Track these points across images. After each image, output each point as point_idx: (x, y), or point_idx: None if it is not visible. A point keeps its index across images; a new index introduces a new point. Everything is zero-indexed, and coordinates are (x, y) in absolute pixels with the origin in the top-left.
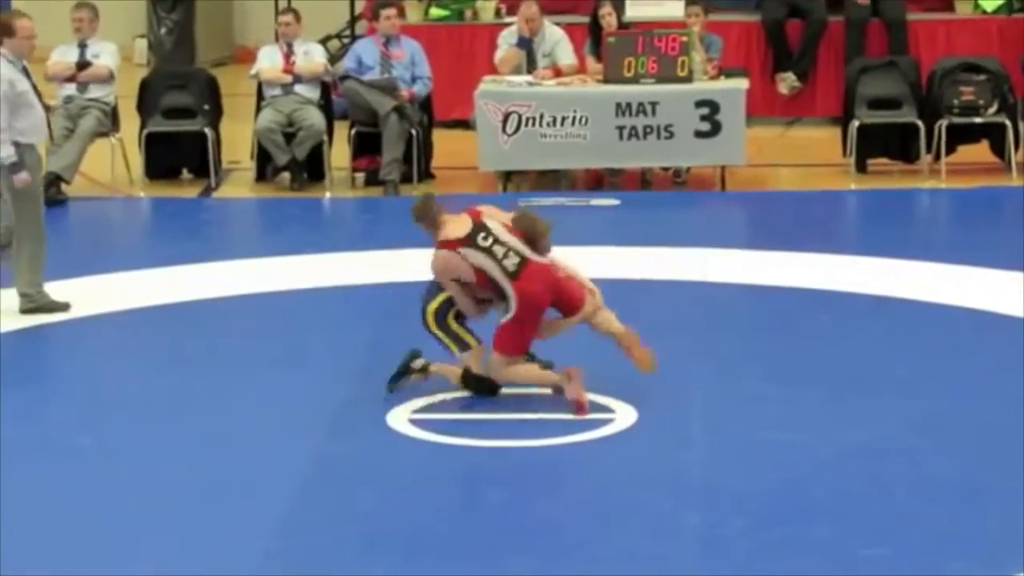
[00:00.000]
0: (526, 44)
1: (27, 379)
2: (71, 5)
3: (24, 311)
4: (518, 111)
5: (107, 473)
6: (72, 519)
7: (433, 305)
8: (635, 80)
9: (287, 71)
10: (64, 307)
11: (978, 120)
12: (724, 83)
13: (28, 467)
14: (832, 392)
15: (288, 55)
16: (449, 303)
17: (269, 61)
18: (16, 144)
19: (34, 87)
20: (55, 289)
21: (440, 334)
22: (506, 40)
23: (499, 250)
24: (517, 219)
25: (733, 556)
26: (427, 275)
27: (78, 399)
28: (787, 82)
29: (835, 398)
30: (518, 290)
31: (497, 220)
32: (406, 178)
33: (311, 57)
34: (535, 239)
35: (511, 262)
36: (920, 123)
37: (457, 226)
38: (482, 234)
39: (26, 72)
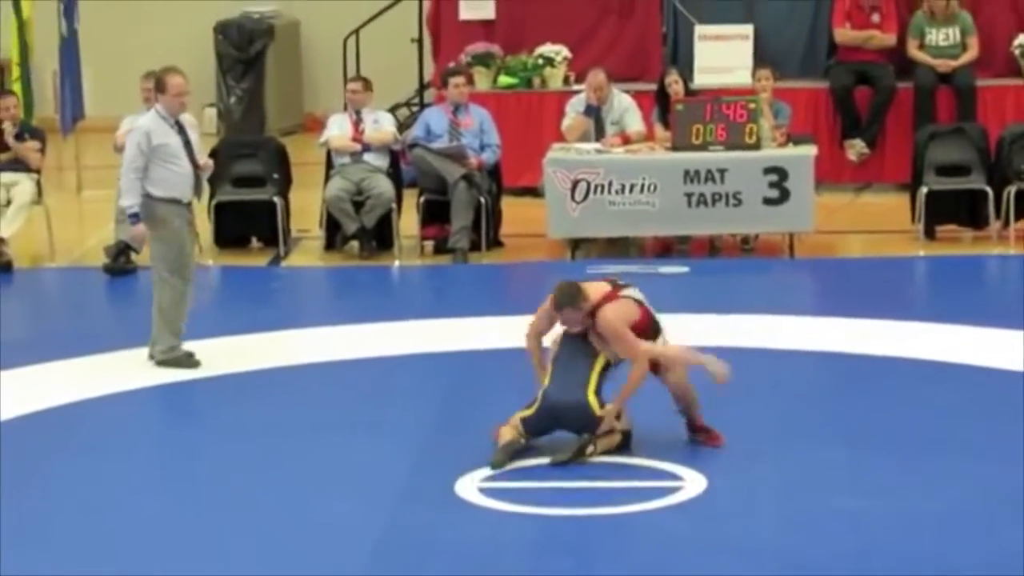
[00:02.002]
0: (594, 112)
1: (107, 446)
2: (142, 74)
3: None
4: (586, 178)
5: (184, 539)
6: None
7: (591, 389)
8: (703, 147)
9: (356, 139)
10: (194, 364)
11: None
12: (792, 150)
13: (110, 532)
14: (903, 459)
15: (357, 123)
16: (600, 379)
17: (338, 129)
18: (148, 196)
19: (188, 143)
20: (128, 357)
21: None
22: (574, 108)
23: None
24: None
25: None
26: (493, 342)
27: (156, 466)
28: (855, 149)
29: (906, 465)
30: None
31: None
32: (475, 246)
33: (380, 125)
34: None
35: None
36: (989, 189)
37: (598, 288)
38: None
39: (180, 128)
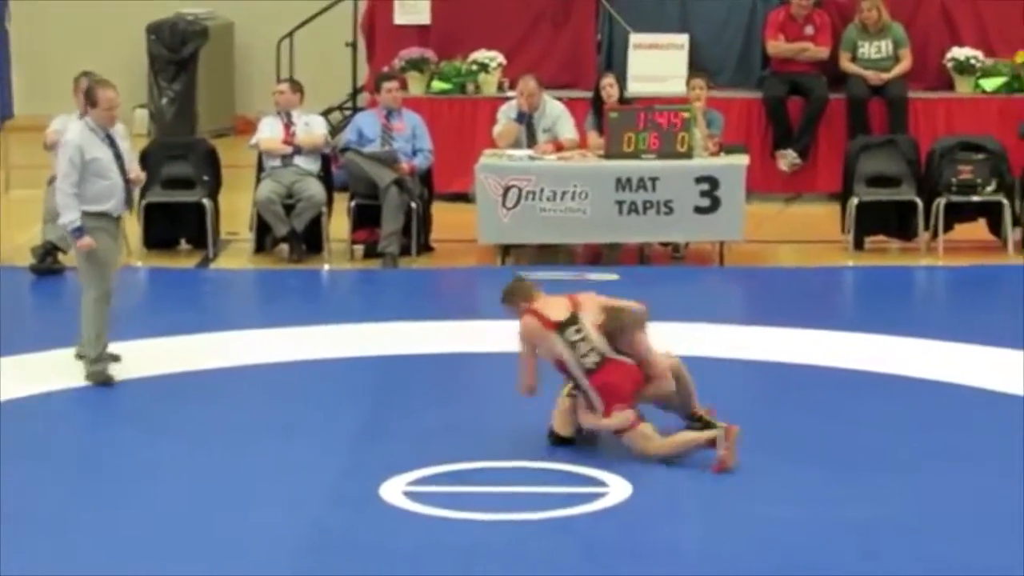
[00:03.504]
0: (525, 118)
1: (24, 450)
2: (74, 76)
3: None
4: (518, 185)
5: (102, 542)
6: None
7: None
8: (636, 155)
9: (287, 142)
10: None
11: (976, 199)
12: (724, 159)
13: (25, 535)
14: (829, 468)
15: (288, 126)
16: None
17: (269, 132)
18: (85, 213)
19: (119, 156)
20: (53, 358)
21: None
22: (505, 114)
23: (583, 347)
24: (607, 320)
25: None
26: (422, 346)
27: (75, 469)
28: (787, 159)
29: (832, 474)
30: (595, 383)
31: (591, 314)
32: (405, 251)
33: (311, 129)
34: (614, 336)
35: (590, 360)
36: (919, 201)
37: (555, 308)
38: (574, 327)
39: (111, 141)
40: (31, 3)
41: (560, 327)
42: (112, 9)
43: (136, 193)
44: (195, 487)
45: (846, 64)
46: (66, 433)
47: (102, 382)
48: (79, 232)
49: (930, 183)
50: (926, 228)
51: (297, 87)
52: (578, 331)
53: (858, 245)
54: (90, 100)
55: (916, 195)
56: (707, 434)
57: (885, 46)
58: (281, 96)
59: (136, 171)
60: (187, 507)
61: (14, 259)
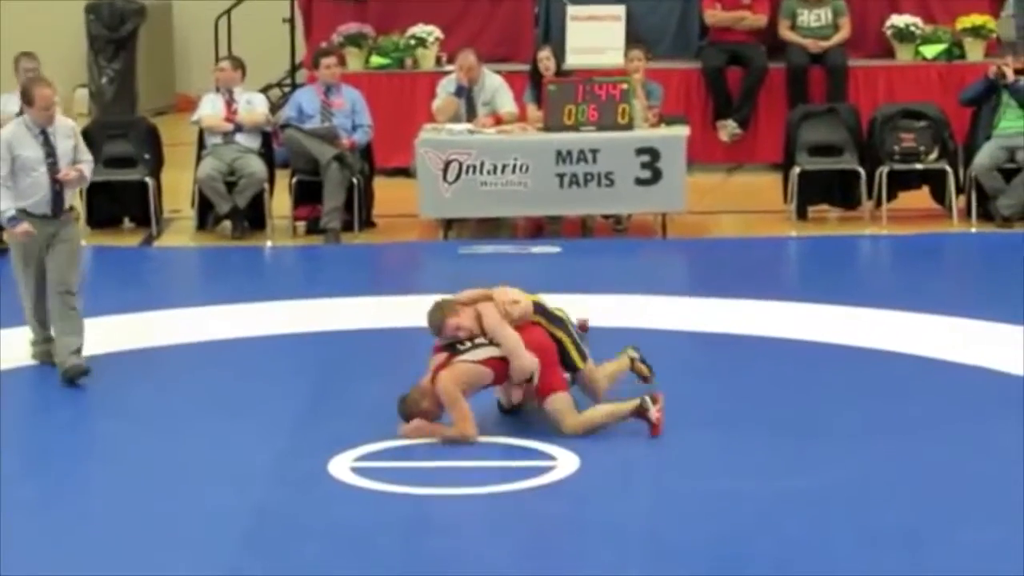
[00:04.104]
0: (464, 92)
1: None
2: (16, 54)
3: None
4: (458, 159)
5: (45, 523)
6: (9, 570)
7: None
8: (575, 128)
9: (229, 120)
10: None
11: (919, 166)
12: (664, 130)
13: None
14: (774, 439)
15: (230, 103)
16: None
17: (211, 109)
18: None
19: (51, 156)
20: None
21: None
22: (444, 89)
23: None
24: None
25: None
26: (366, 322)
27: (17, 447)
28: (728, 129)
29: (777, 445)
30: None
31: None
32: (347, 226)
33: (253, 107)
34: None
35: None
36: (861, 170)
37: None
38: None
39: (45, 139)
40: None
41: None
42: None
43: (78, 192)
44: (138, 467)
45: (785, 32)
46: (5, 412)
47: (39, 357)
48: (14, 221)
49: (872, 151)
50: (869, 197)
51: (239, 64)
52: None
53: (801, 215)
54: (26, 99)
55: (859, 164)
56: (631, 404)
57: (824, 14)
58: (222, 73)
59: (68, 171)
60: (129, 487)
61: None
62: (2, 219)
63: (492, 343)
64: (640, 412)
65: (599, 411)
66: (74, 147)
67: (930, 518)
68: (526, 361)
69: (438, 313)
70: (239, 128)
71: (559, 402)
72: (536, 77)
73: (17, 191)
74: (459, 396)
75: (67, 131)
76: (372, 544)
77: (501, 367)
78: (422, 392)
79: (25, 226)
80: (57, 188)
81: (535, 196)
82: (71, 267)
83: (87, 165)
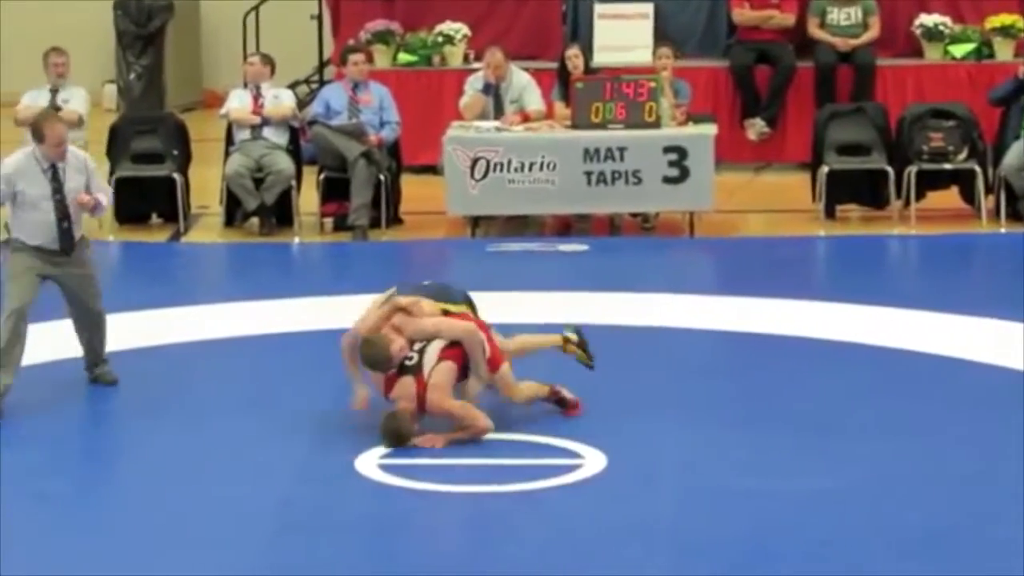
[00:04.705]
0: (492, 90)
1: None
2: (45, 50)
3: None
4: (486, 156)
5: (73, 520)
6: (36, 568)
7: None
8: (603, 126)
9: (256, 113)
10: None
11: (947, 166)
12: (692, 129)
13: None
14: (800, 438)
15: (257, 98)
16: None
17: (239, 102)
18: (15, 239)
19: (58, 192)
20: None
21: None
22: (472, 86)
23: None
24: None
25: None
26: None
27: (44, 443)
28: (756, 128)
29: (803, 444)
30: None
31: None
32: (375, 223)
33: (280, 101)
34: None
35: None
36: (889, 169)
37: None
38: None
39: (54, 174)
40: None
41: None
42: None
43: (84, 237)
44: (165, 463)
45: (814, 30)
46: (32, 408)
47: None
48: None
49: (901, 151)
50: (898, 196)
51: (268, 60)
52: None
53: (829, 214)
54: (37, 136)
55: (887, 163)
56: (545, 388)
57: (854, 13)
58: (252, 67)
59: (86, 196)
60: (156, 484)
61: None
62: None
63: (431, 340)
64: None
65: (532, 386)
66: (86, 183)
67: (956, 518)
68: (471, 328)
69: (379, 350)
70: (266, 122)
71: (508, 371)
72: (564, 75)
73: (20, 225)
74: (457, 403)
75: (79, 166)
76: (399, 541)
77: (457, 351)
78: (411, 418)
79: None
80: (65, 225)
81: (563, 194)
82: (96, 292)
83: (104, 195)
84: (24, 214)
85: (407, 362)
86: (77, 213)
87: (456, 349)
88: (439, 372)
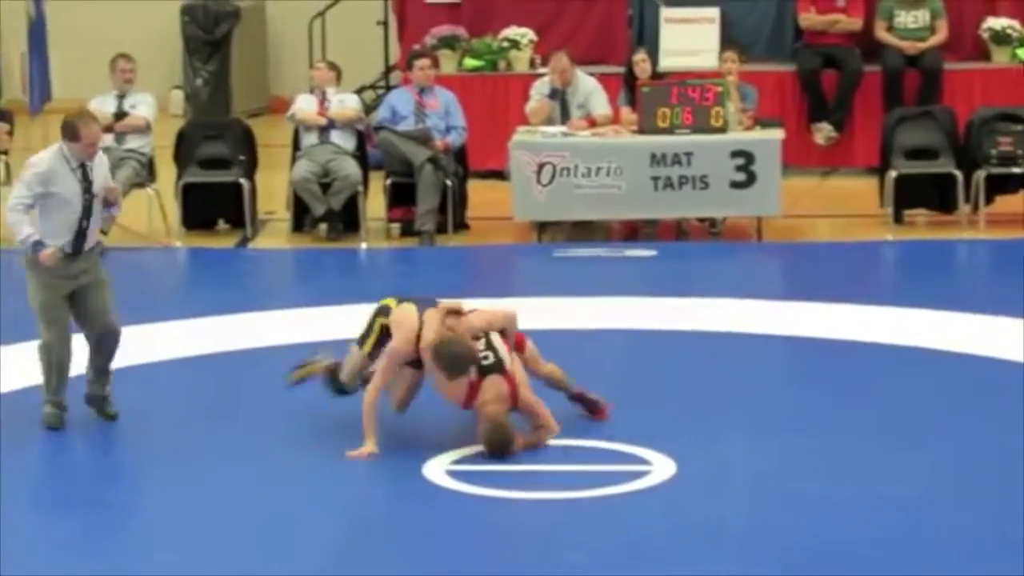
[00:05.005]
0: (558, 95)
1: (61, 430)
2: (113, 56)
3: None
4: (552, 161)
5: (140, 525)
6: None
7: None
8: (670, 130)
9: (321, 115)
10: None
11: (1016, 170)
12: (759, 133)
13: (60, 519)
14: (869, 444)
15: (323, 101)
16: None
17: (305, 105)
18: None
19: (88, 191)
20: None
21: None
22: (538, 91)
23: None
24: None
25: None
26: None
27: (111, 450)
28: (823, 132)
29: (872, 450)
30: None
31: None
32: (441, 228)
33: (345, 104)
34: None
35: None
36: (958, 173)
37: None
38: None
39: (83, 173)
40: None
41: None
42: None
43: (95, 238)
44: (235, 468)
45: (882, 34)
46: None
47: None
48: (40, 245)
49: (969, 155)
50: (966, 201)
51: (334, 67)
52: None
53: (897, 219)
54: (71, 135)
55: (955, 167)
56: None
57: (922, 16)
58: (318, 73)
59: (114, 185)
60: (226, 488)
61: None
62: (27, 242)
63: (489, 335)
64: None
65: (555, 368)
66: (104, 179)
67: None
68: (511, 314)
69: (465, 348)
70: (332, 124)
71: (532, 346)
72: (631, 80)
73: (47, 227)
74: (540, 400)
75: (101, 162)
76: (467, 547)
77: (506, 342)
78: (510, 423)
79: (52, 250)
80: (84, 224)
81: (629, 199)
82: (112, 304)
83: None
84: (53, 214)
85: (484, 361)
86: (98, 214)
87: (505, 339)
88: (518, 367)
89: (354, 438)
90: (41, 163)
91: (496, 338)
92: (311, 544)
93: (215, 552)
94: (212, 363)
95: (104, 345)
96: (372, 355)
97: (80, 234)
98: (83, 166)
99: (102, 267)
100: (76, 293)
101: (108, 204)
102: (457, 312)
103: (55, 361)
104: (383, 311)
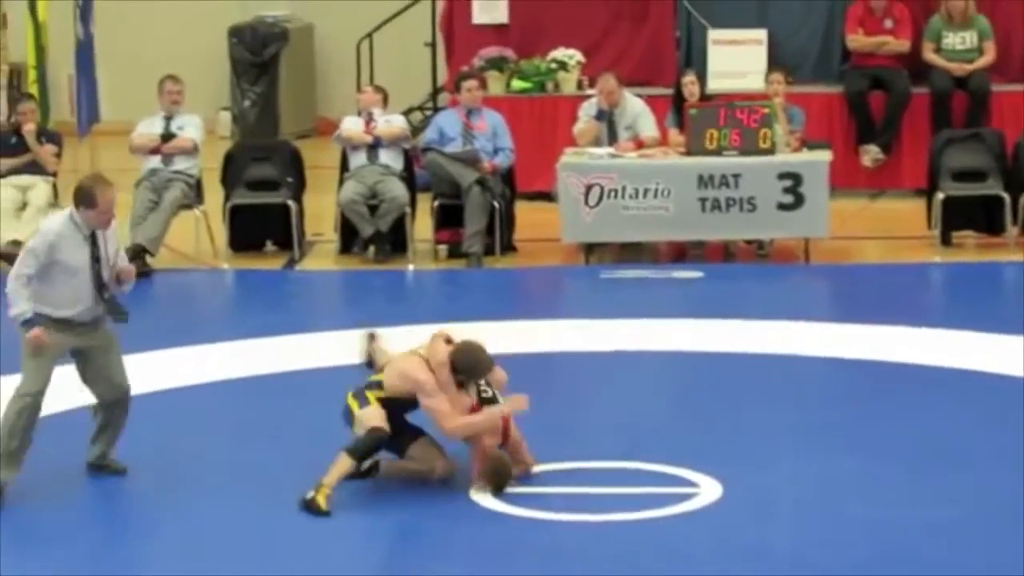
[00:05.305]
0: (605, 116)
1: (131, 443)
2: (160, 77)
3: None
4: (600, 183)
5: (188, 547)
6: None
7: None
8: (718, 152)
9: (368, 133)
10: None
11: None
12: (807, 155)
13: (108, 539)
14: (915, 467)
15: (369, 122)
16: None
17: (352, 125)
18: (41, 315)
19: (97, 260)
20: (140, 361)
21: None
22: (585, 112)
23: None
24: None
25: None
26: (507, 346)
27: (158, 470)
28: (870, 154)
29: (920, 473)
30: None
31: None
32: (489, 250)
33: (392, 123)
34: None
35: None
36: (1006, 196)
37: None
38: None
39: (93, 241)
40: (115, 7)
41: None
42: (194, 12)
43: (122, 288)
44: (283, 488)
45: (930, 55)
46: (151, 433)
47: None
48: (29, 324)
49: (1017, 177)
50: (1014, 223)
51: (380, 90)
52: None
53: (945, 241)
54: (87, 202)
55: (1003, 190)
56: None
57: (969, 37)
58: (365, 95)
59: (128, 272)
60: (275, 508)
61: None
62: (18, 319)
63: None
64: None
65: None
66: (116, 251)
67: None
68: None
69: (483, 352)
70: (379, 143)
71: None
72: (679, 101)
73: (51, 297)
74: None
75: (111, 232)
76: (513, 569)
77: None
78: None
79: (38, 331)
80: (106, 295)
81: (677, 220)
82: (124, 366)
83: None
84: (56, 284)
85: (483, 394)
86: (111, 285)
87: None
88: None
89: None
90: (50, 231)
91: (489, 376)
92: (360, 565)
93: (264, 568)
94: (259, 385)
95: (115, 411)
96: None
97: (108, 303)
98: (93, 235)
99: (110, 332)
100: (84, 353)
101: (119, 281)
102: (451, 340)
103: (22, 419)
104: (362, 394)
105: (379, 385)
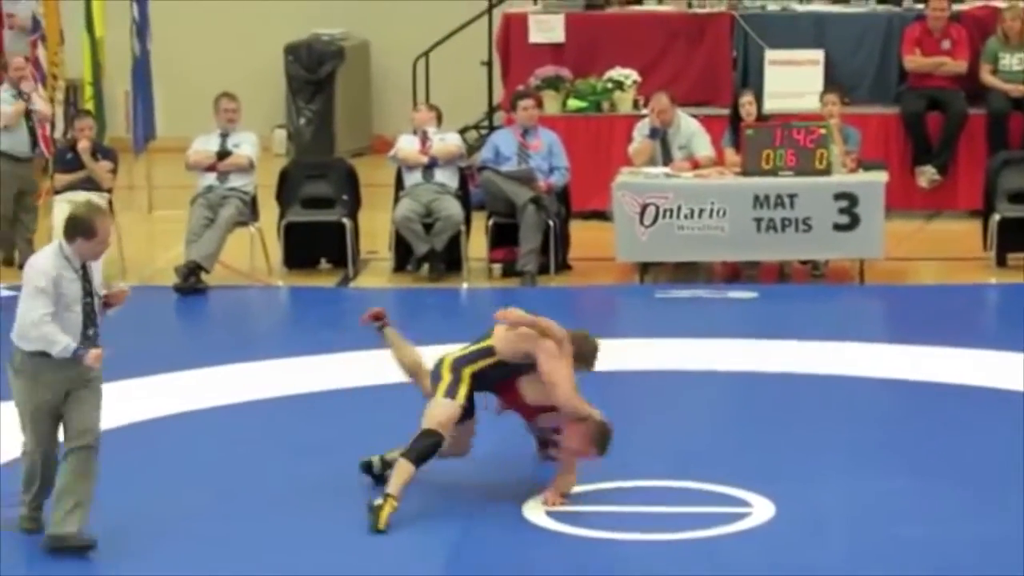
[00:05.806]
0: (659, 134)
1: (163, 465)
2: (216, 95)
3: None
4: (656, 203)
5: (236, 564)
6: None
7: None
8: (773, 172)
9: (423, 153)
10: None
11: None
12: (863, 176)
13: (160, 553)
14: (969, 486)
15: (424, 140)
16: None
17: (407, 145)
18: (20, 350)
19: (88, 292)
20: (197, 376)
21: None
22: (640, 132)
23: None
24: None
25: None
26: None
27: (211, 487)
28: (927, 175)
29: (971, 491)
30: None
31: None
32: (543, 269)
33: (447, 141)
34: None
35: None
36: None
37: None
38: None
39: (84, 274)
40: (171, 24)
41: None
42: (250, 30)
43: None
44: (337, 505)
45: (987, 77)
46: (206, 449)
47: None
48: (80, 350)
49: None
50: None
51: (434, 108)
52: None
53: (1001, 262)
54: (86, 232)
55: None
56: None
57: None
58: (419, 114)
59: (121, 295)
60: (329, 524)
61: (158, 279)
62: (67, 352)
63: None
64: None
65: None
66: (103, 282)
67: None
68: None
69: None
70: (434, 162)
71: None
72: (735, 121)
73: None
74: None
75: (99, 264)
76: None
77: None
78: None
79: (96, 351)
80: (90, 332)
81: (732, 240)
82: (97, 411)
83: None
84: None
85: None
86: (100, 316)
87: None
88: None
89: (461, 478)
90: (47, 266)
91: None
92: None
93: None
94: (314, 402)
95: (90, 460)
96: (465, 406)
97: (89, 341)
98: (84, 267)
99: (97, 371)
100: (69, 394)
101: (107, 306)
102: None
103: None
104: (458, 369)
105: (486, 353)
